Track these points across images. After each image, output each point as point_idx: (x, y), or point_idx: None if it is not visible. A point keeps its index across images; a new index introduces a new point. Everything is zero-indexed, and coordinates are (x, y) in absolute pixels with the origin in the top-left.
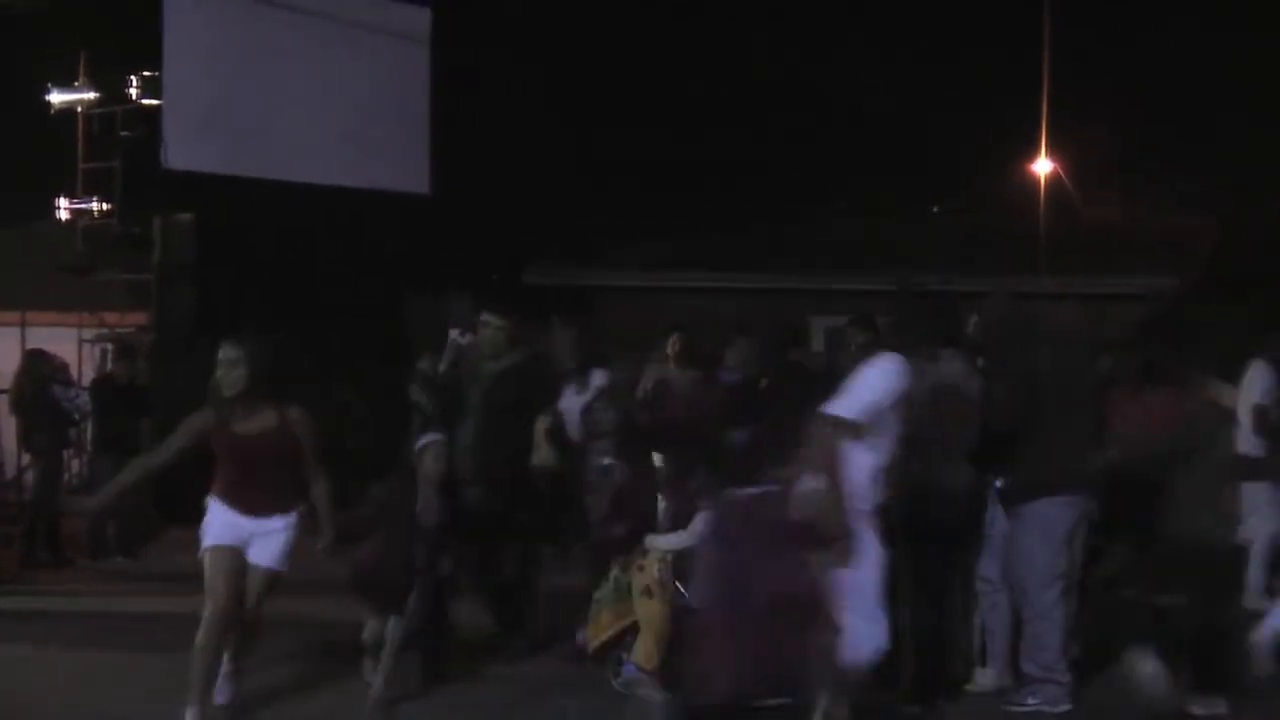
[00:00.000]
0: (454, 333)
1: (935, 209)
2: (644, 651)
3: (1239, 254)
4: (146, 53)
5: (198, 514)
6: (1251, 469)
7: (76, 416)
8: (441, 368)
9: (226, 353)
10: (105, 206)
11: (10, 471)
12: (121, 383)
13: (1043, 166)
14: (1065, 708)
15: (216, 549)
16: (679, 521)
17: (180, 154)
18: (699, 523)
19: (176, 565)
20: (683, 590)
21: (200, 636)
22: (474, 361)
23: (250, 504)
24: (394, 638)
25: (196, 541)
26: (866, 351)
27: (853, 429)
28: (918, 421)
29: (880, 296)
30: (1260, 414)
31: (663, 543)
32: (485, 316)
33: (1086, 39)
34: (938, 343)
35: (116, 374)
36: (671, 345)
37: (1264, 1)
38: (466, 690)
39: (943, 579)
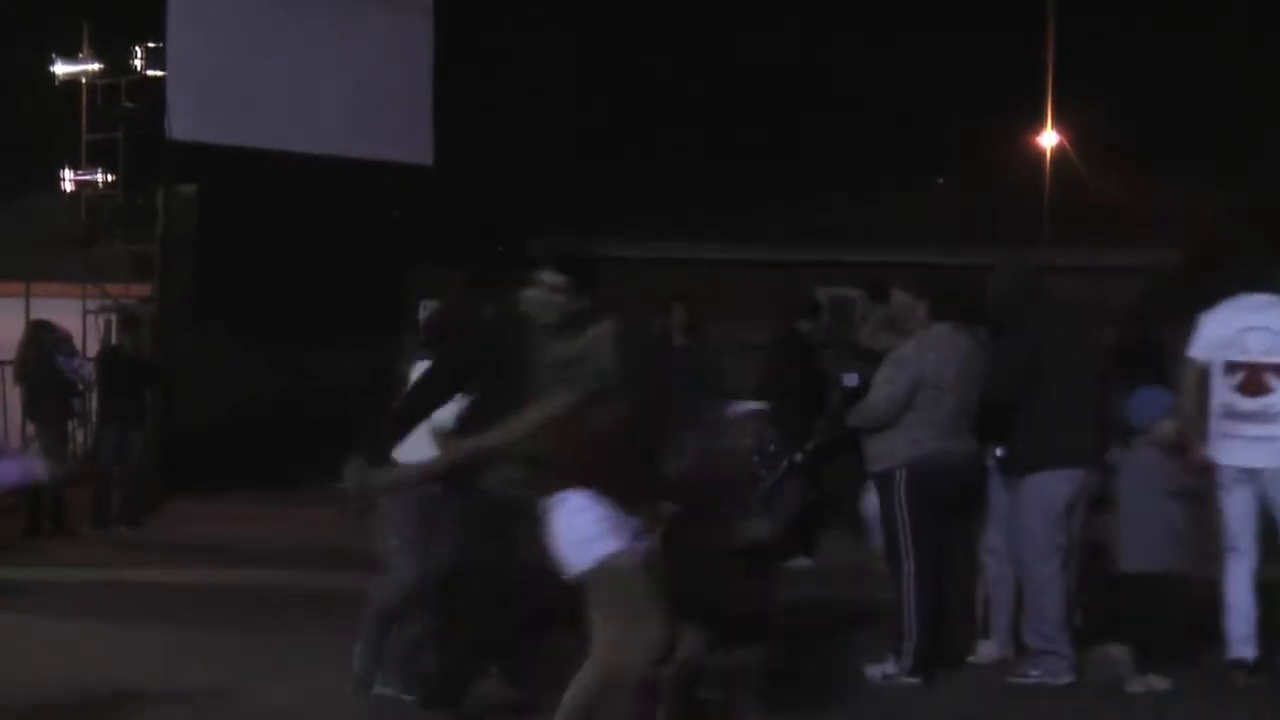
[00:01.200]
0: (432, 303)
1: (940, 180)
2: None
3: (1240, 230)
4: (150, 24)
5: (202, 485)
6: None
7: (80, 386)
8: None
9: (602, 331)
10: (109, 178)
11: (15, 441)
12: (127, 354)
13: (1048, 140)
14: (1068, 679)
15: (625, 554)
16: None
17: (184, 125)
18: None
19: (179, 536)
20: None
21: (629, 667)
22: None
23: (633, 499)
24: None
25: (200, 512)
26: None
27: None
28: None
29: (883, 268)
30: None
31: None
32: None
33: (1094, 10)
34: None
35: (123, 345)
36: (677, 315)
37: None
38: None
39: (945, 550)
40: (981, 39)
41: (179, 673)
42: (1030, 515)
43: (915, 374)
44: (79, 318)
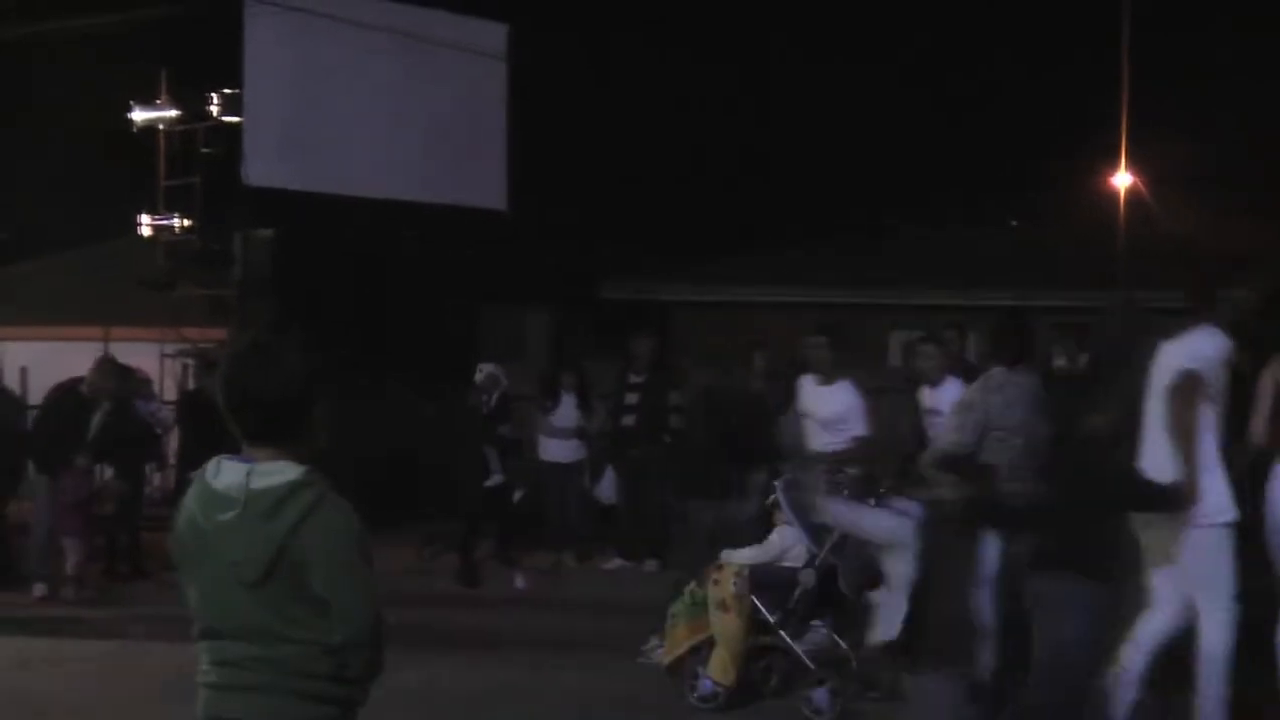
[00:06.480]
0: (488, 366)
1: (1014, 223)
2: (719, 666)
3: None
4: (227, 71)
5: None
6: None
7: (159, 430)
8: (491, 402)
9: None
10: (186, 223)
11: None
12: (208, 397)
13: (1122, 180)
14: None
15: None
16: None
17: (260, 170)
18: (775, 537)
19: None
20: (759, 605)
21: None
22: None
23: None
24: None
25: None
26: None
27: None
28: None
29: (954, 310)
30: None
31: (739, 557)
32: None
33: (1167, 50)
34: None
35: (204, 389)
36: (758, 360)
37: None
38: (530, 707)
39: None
40: (1056, 78)
41: None
42: None
43: (980, 417)
44: (156, 361)
